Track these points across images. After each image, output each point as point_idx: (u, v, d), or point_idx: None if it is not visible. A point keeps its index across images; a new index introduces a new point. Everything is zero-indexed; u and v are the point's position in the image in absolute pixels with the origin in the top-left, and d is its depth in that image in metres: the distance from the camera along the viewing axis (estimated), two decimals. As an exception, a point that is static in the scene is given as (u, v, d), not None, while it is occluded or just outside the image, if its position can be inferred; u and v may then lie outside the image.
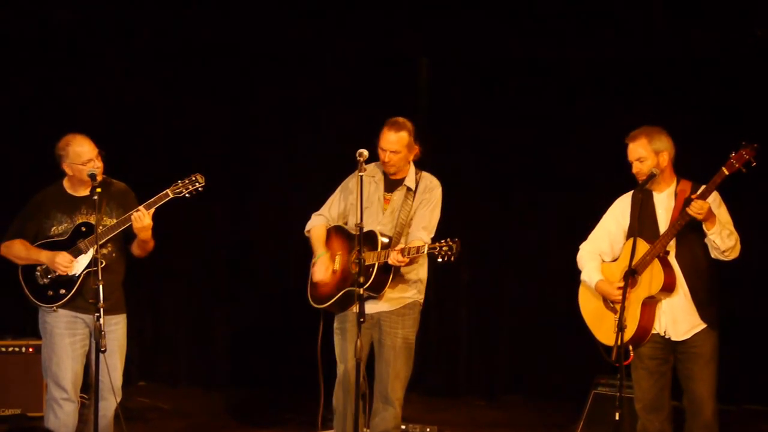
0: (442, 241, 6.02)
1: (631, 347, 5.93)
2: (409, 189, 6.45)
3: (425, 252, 6.10)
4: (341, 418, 6.42)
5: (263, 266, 9.24)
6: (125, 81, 8.99)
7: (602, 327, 6.03)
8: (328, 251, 6.47)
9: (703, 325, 5.91)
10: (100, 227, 6.03)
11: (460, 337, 9.19)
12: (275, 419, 8.25)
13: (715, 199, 5.85)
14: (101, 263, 5.85)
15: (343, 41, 9.01)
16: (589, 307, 6.17)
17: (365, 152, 6.18)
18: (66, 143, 6.14)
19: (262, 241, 9.24)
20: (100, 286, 5.76)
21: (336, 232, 6.52)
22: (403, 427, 7.21)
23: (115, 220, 6.13)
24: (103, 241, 6.04)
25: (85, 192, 6.17)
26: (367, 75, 9.06)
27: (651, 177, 5.90)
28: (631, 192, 6.01)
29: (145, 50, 9.03)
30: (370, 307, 6.24)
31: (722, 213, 5.90)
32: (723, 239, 5.80)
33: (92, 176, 6.00)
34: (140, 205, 6.12)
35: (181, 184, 6.16)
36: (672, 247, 5.90)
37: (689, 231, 5.86)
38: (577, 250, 6.28)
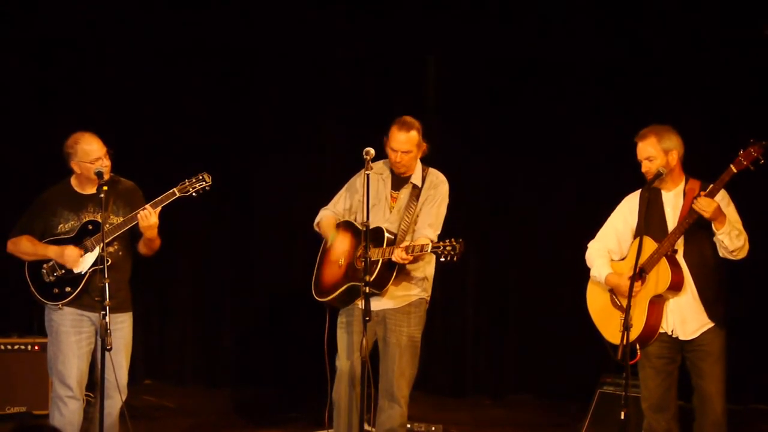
0: (446, 240, 6.01)
1: (638, 346, 5.92)
2: (415, 186, 6.45)
3: (429, 251, 6.09)
4: (343, 412, 6.40)
5: (269, 265, 9.24)
6: (131, 80, 8.99)
7: (609, 325, 6.02)
8: (339, 232, 6.46)
9: (711, 324, 5.91)
10: (107, 225, 6.03)
11: (466, 335, 9.18)
12: (281, 418, 8.24)
13: (723, 198, 5.84)
14: (107, 261, 5.85)
15: (350, 39, 9.00)
16: (597, 305, 6.16)
17: (372, 151, 6.19)
18: (74, 141, 6.13)
19: (268, 240, 9.23)
20: (107, 284, 5.76)
21: (344, 226, 6.52)
22: (409, 425, 7.20)
23: (121, 219, 6.13)
24: (110, 239, 6.04)
25: (92, 190, 6.17)
26: (374, 73, 9.06)
27: (658, 176, 5.89)
28: (639, 190, 6.00)
29: (151, 49, 9.03)
30: (376, 305, 6.24)
31: (731, 212, 5.89)
32: (732, 239, 5.80)
33: (99, 174, 6.00)
34: (147, 203, 6.12)
35: (188, 183, 6.16)
36: (680, 245, 5.89)
37: (697, 230, 5.85)
38: (584, 249, 6.27)
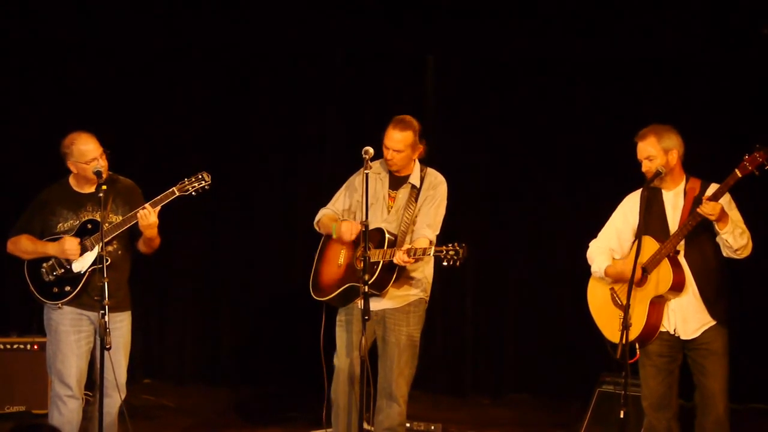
0: (449, 244, 5.99)
1: (637, 345, 5.92)
2: (413, 187, 6.44)
3: (432, 254, 6.08)
4: (342, 411, 6.41)
5: (268, 264, 9.23)
6: (131, 79, 8.99)
7: (610, 324, 6.02)
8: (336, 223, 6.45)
9: (713, 322, 5.91)
10: (106, 224, 6.02)
11: (466, 335, 9.18)
12: (280, 417, 8.23)
13: (725, 198, 5.84)
14: (107, 261, 5.85)
15: (349, 39, 8.99)
16: (598, 303, 6.16)
17: (371, 150, 6.19)
18: (71, 141, 6.13)
19: (268, 239, 9.23)
20: (106, 284, 5.76)
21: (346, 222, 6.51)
22: (408, 424, 7.20)
23: (120, 217, 6.13)
24: (109, 238, 6.04)
25: (90, 189, 6.17)
26: (373, 73, 9.05)
27: (657, 175, 5.89)
28: (641, 189, 5.99)
29: (151, 48, 9.02)
30: (375, 305, 6.23)
31: (734, 212, 5.90)
32: (735, 238, 5.80)
33: (98, 173, 6.00)
34: (146, 201, 6.12)
35: (187, 182, 6.16)
36: (681, 246, 5.89)
37: (699, 230, 5.85)
38: (584, 248, 6.27)
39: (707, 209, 5.73)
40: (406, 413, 6.45)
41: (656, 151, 5.90)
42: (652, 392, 6.00)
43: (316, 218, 6.62)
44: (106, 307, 5.73)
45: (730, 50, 8.34)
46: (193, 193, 6.17)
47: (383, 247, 6.20)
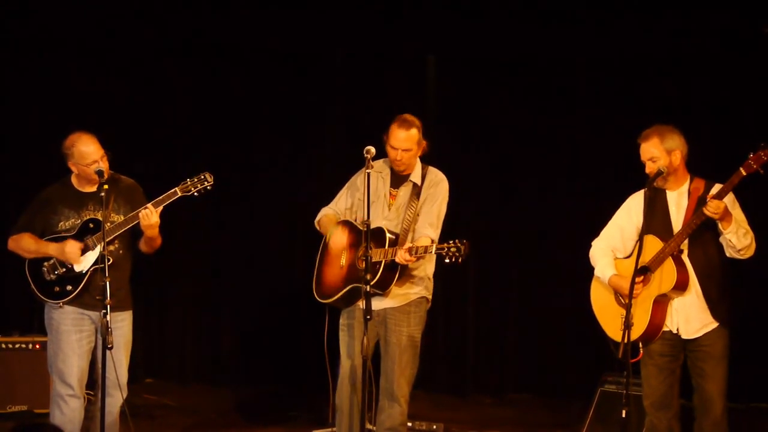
0: (450, 242, 5.99)
1: (641, 344, 5.92)
2: (415, 185, 6.44)
3: (433, 252, 6.08)
4: (345, 415, 6.41)
5: (270, 264, 9.23)
6: (132, 78, 8.99)
7: (613, 323, 6.01)
8: (339, 226, 6.46)
9: (715, 324, 5.90)
10: (108, 224, 6.02)
11: (468, 334, 9.18)
12: (282, 416, 8.23)
13: (729, 198, 5.82)
14: (108, 260, 5.85)
15: (350, 39, 8.99)
16: (601, 302, 6.16)
17: (372, 149, 6.18)
18: (72, 143, 6.12)
19: (269, 238, 9.23)
20: (107, 283, 5.75)
21: (344, 226, 6.51)
22: (410, 424, 7.21)
23: (122, 217, 6.13)
24: (110, 238, 6.04)
25: (92, 188, 6.17)
26: (374, 73, 9.05)
27: (659, 174, 5.89)
28: (644, 189, 5.98)
29: (152, 48, 9.02)
30: (377, 304, 6.23)
31: (737, 212, 5.89)
32: (739, 238, 5.80)
33: (99, 173, 6.00)
34: (148, 200, 6.12)
35: (189, 183, 6.16)
36: (685, 245, 5.89)
37: (703, 230, 5.85)
38: (585, 247, 6.26)
39: (711, 208, 5.72)
40: (407, 413, 6.44)
41: (659, 152, 5.90)
42: (654, 391, 6.00)
43: (317, 217, 6.62)
44: (108, 306, 5.72)
45: (733, 50, 8.33)
46: (196, 193, 6.17)
47: (384, 247, 6.20)
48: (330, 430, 6.79)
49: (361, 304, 6.04)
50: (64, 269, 6.10)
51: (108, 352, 5.78)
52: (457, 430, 7.97)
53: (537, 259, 8.98)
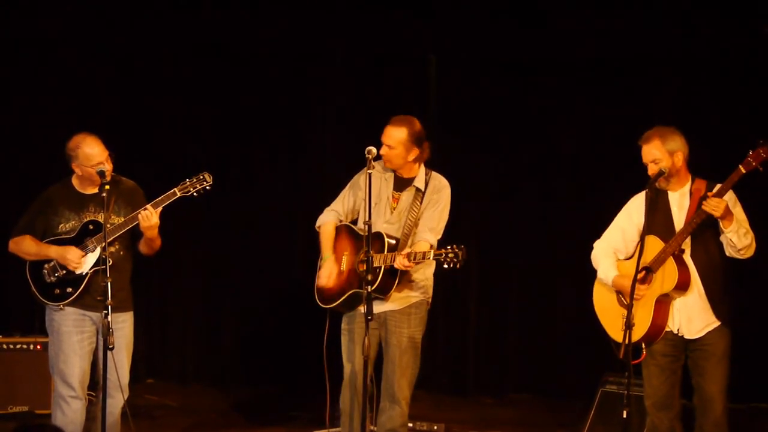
0: (448, 247, 5.99)
1: (643, 345, 5.92)
2: (418, 190, 6.42)
3: (431, 258, 6.07)
4: (348, 417, 6.41)
5: (271, 264, 9.22)
6: (131, 79, 9.00)
7: (615, 324, 6.01)
8: (333, 255, 6.46)
9: (717, 323, 5.91)
10: (108, 225, 6.02)
11: (468, 335, 9.18)
12: (283, 417, 8.24)
13: (730, 198, 5.83)
14: (109, 262, 5.85)
15: (351, 39, 8.99)
16: (603, 303, 6.16)
17: (374, 150, 6.17)
18: (76, 144, 6.11)
19: (270, 239, 9.22)
20: (108, 284, 5.75)
21: (344, 231, 6.50)
22: (411, 425, 7.20)
23: (122, 219, 6.13)
24: (111, 239, 6.04)
25: (93, 190, 6.16)
26: (375, 73, 9.05)
27: (660, 174, 5.89)
28: (646, 190, 5.98)
29: (151, 48, 9.02)
30: (377, 307, 6.22)
31: (738, 211, 5.89)
32: (740, 237, 5.80)
33: (101, 174, 5.99)
34: (148, 203, 6.12)
35: (188, 183, 6.16)
36: (687, 245, 5.89)
37: (704, 229, 5.85)
38: (586, 248, 6.26)
39: (711, 205, 5.73)
40: (408, 414, 6.44)
41: (661, 153, 5.90)
42: (656, 391, 6.00)
43: (318, 222, 6.60)
44: (109, 307, 5.73)
45: (733, 49, 8.33)
46: (195, 194, 6.17)
47: (384, 251, 6.19)
48: (328, 431, 6.80)
49: (362, 308, 6.04)
50: (65, 271, 6.10)
51: (109, 353, 5.79)
52: (458, 430, 7.97)
53: (538, 260, 8.97)
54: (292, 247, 9.08)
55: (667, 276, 5.86)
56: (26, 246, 6.17)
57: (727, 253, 5.89)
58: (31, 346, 7.89)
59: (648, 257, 5.85)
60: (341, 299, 6.37)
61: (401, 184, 6.46)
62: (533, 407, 8.82)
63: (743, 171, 5.71)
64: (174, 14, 8.94)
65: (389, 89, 8.92)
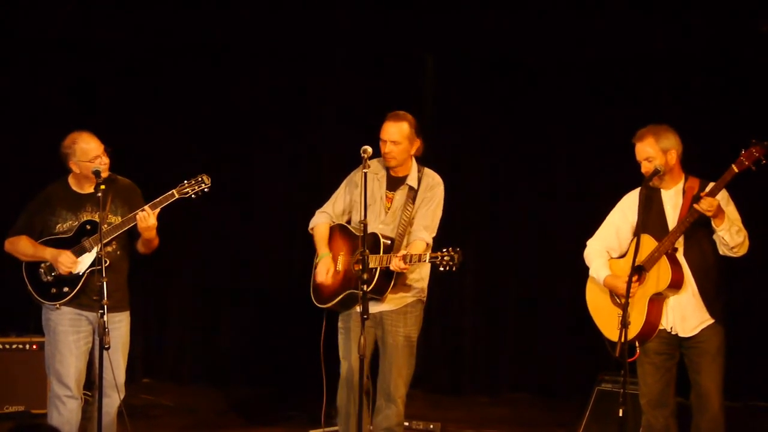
0: (444, 250, 5.98)
1: (637, 343, 5.94)
2: (411, 188, 6.41)
3: (427, 260, 6.07)
4: (345, 416, 6.42)
5: (268, 264, 9.23)
6: (129, 79, 8.99)
7: (609, 322, 6.02)
8: (330, 252, 6.47)
9: (711, 321, 5.92)
10: (105, 225, 6.03)
11: (464, 334, 9.19)
12: (279, 416, 8.25)
13: (723, 196, 5.85)
14: (105, 262, 5.85)
15: (348, 38, 8.99)
16: (596, 302, 6.17)
17: (369, 149, 6.17)
18: (72, 141, 6.13)
19: (267, 239, 9.23)
20: (104, 284, 5.76)
21: (339, 231, 6.50)
22: (407, 424, 7.21)
23: (120, 218, 6.13)
24: (108, 239, 6.04)
25: (90, 189, 6.15)
26: (372, 72, 9.05)
27: (656, 173, 5.90)
28: (639, 188, 6.00)
29: (148, 47, 9.01)
30: (373, 307, 6.21)
31: (731, 210, 5.91)
32: (732, 235, 5.81)
33: (96, 173, 6.00)
34: (146, 201, 6.13)
35: (187, 185, 6.15)
36: (680, 244, 5.90)
37: (697, 228, 5.86)
38: (581, 246, 6.27)
39: (704, 205, 5.74)
40: (404, 413, 6.45)
41: (655, 151, 5.91)
42: (650, 390, 6.02)
43: (311, 224, 6.59)
44: (105, 307, 5.73)
45: (729, 48, 8.34)
46: (193, 195, 6.17)
47: (379, 252, 6.18)
48: (323, 430, 6.80)
49: (359, 308, 6.05)
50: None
51: (105, 352, 5.78)
52: (454, 429, 7.98)
53: (534, 259, 8.99)
54: (290, 247, 9.08)
55: (660, 275, 5.87)
56: (22, 246, 6.17)
57: (721, 252, 5.91)
58: (27, 346, 7.89)
59: (641, 256, 5.86)
60: (337, 299, 6.38)
61: (394, 183, 6.45)
62: (529, 406, 8.83)
63: (736, 170, 5.73)
64: (172, 13, 8.92)
65: (387, 88, 8.91)
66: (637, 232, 5.87)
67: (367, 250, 6.01)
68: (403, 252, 6.16)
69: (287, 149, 9.23)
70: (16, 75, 8.82)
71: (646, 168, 5.94)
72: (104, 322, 5.71)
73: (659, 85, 8.57)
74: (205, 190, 6.17)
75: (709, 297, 5.92)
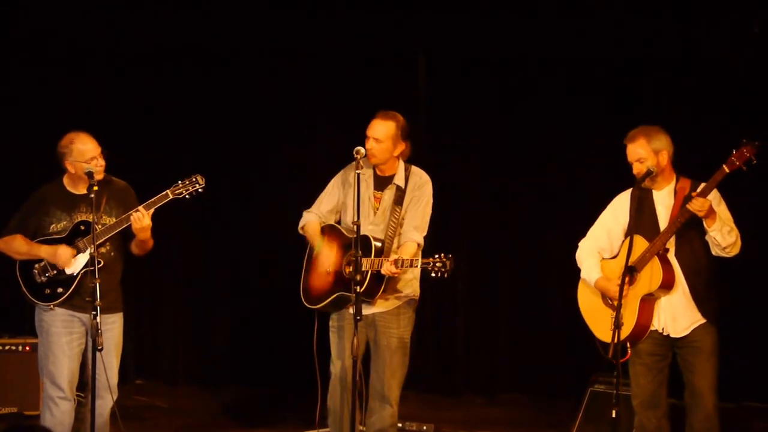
0: (436, 256, 5.96)
1: (628, 344, 5.94)
2: (399, 188, 6.39)
3: (419, 267, 6.05)
4: (337, 416, 6.40)
5: (261, 265, 9.22)
6: (125, 79, 8.98)
7: (600, 324, 6.03)
8: (325, 239, 6.43)
9: (703, 320, 5.93)
10: (99, 226, 6.02)
11: (458, 335, 9.18)
12: (273, 418, 8.24)
13: (714, 197, 5.86)
14: (99, 262, 5.85)
15: (342, 38, 8.98)
16: (588, 303, 6.17)
17: (363, 150, 6.17)
18: (69, 141, 6.13)
19: (260, 240, 9.21)
20: (97, 285, 5.75)
21: (329, 231, 6.47)
22: (401, 424, 7.21)
23: (114, 219, 6.13)
24: (102, 240, 6.04)
25: (84, 190, 6.15)
26: (366, 72, 9.05)
27: (648, 174, 5.91)
28: (630, 189, 6.01)
29: (144, 47, 9.00)
30: (365, 309, 6.19)
31: (722, 210, 5.92)
32: (724, 236, 5.82)
33: (89, 174, 5.99)
34: (140, 203, 6.12)
35: (181, 185, 6.15)
36: (671, 244, 5.91)
37: (689, 228, 5.87)
38: (575, 247, 6.27)
39: (696, 205, 5.75)
40: (397, 414, 6.44)
41: (646, 152, 5.92)
42: (643, 391, 6.02)
43: (301, 223, 6.58)
44: (98, 308, 5.72)
45: (721, 49, 8.35)
46: (187, 196, 6.17)
47: (370, 255, 6.16)
48: (317, 431, 6.80)
49: (351, 309, 6.04)
50: (55, 271, 6.10)
51: (98, 353, 5.78)
52: (448, 430, 7.97)
53: (528, 260, 8.98)
54: (283, 248, 9.04)
55: (651, 276, 5.87)
56: (17, 245, 6.16)
57: (714, 252, 5.92)
58: (20, 348, 7.88)
59: (633, 256, 5.86)
60: (327, 300, 6.36)
61: (381, 182, 6.42)
62: (523, 407, 8.82)
63: (727, 170, 5.74)
64: (166, 12, 8.91)
65: (380, 89, 8.90)
66: (629, 233, 5.88)
67: (360, 252, 6.00)
68: (394, 257, 6.14)
69: (281, 150, 9.21)
70: (12, 76, 8.80)
71: (637, 169, 5.95)
72: (97, 323, 5.71)
73: (651, 87, 8.57)
74: (200, 190, 6.17)
75: (701, 297, 5.92)
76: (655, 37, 8.50)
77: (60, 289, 6.10)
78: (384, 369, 6.35)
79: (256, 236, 9.21)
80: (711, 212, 5.78)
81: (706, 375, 5.92)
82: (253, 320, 9.22)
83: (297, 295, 6.56)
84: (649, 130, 5.96)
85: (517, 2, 8.74)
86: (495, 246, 9.07)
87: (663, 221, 5.95)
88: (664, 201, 5.99)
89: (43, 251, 6.10)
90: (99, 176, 6.04)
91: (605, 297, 6.07)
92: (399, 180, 6.40)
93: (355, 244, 6.01)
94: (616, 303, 5.80)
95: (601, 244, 6.17)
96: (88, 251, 6.04)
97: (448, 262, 5.93)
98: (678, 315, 5.93)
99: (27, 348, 7.82)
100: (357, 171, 6.12)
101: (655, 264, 5.87)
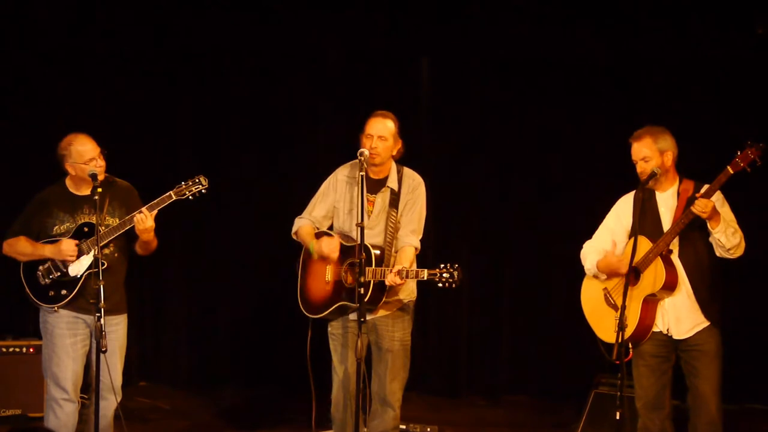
0: (442, 266, 5.94)
1: (630, 345, 5.94)
2: (392, 191, 6.36)
3: (425, 278, 5.98)
4: (341, 421, 6.39)
5: (264, 267, 9.21)
6: (125, 81, 8.98)
7: (603, 324, 6.03)
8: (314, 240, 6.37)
9: (706, 323, 5.93)
10: (102, 227, 6.03)
11: (461, 336, 9.18)
12: (276, 419, 8.24)
13: (718, 198, 5.86)
14: (103, 264, 5.85)
15: (343, 41, 8.99)
16: (591, 304, 6.18)
17: (366, 152, 6.16)
18: (68, 143, 6.14)
19: (264, 241, 9.20)
20: (101, 287, 5.76)
21: (324, 238, 6.38)
22: (404, 426, 7.21)
23: (117, 220, 6.14)
24: (106, 242, 6.04)
25: (87, 191, 6.17)
26: (368, 74, 9.05)
27: (652, 176, 5.92)
28: (634, 191, 6.01)
29: (146, 50, 9.00)
30: (366, 314, 6.15)
31: (726, 211, 5.92)
32: (728, 237, 5.82)
33: (93, 176, 6.00)
34: (143, 203, 6.13)
35: (184, 186, 6.16)
36: (675, 245, 5.92)
37: (692, 230, 5.87)
38: (579, 248, 6.28)
39: (699, 206, 5.75)
40: (400, 417, 6.44)
41: (652, 152, 5.93)
42: (646, 392, 6.03)
43: (294, 229, 6.55)
44: (102, 310, 5.73)
45: (725, 50, 8.35)
46: (190, 197, 6.17)
47: (371, 264, 6.10)
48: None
49: (351, 315, 6.02)
50: (59, 273, 6.11)
51: (102, 355, 5.79)
52: (451, 431, 7.97)
53: (530, 261, 8.98)
54: (286, 250, 9.03)
55: (655, 277, 5.88)
56: (21, 247, 6.17)
57: (717, 254, 5.92)
58: (25, 349, 7.88)
59: (636, 257, 5.86)
60: (328, 311, 6.31)
61: (374, 185, 6.38)
62: (526, 409, 8.82)
63: (731, 172, 5.75)
64: (167, 15, 8.92)
65: (382, 91, 8.90)
66: (633, 234, 5.88)
67: (363, 254, 5.98)
68: (398, 267, 6.07)
69: (282, 151, 9.22)
70: (11, 77, 8.80)
71: (642, 168, 5.95)
72: (101, 325, 5.71)
73: (655, 88, 8.57)
74: (203, 191, 6.18)
75: (704, 299, 5.92)
76: (660, 38, 8.50)
77: (64, 291, 6.11)
78: (386, 372, 6.34)
79: (259, 238, 9.20)
80: (715, 214, 5.78)
81: (710, 378, 5.93)
82: (255, 321, 9.22)
83: (297, 298, 6.54)
84: (656, 130, 5.98)
85: (518, 6, 8.73)
86: (496, 247, 9.07)
87: (666, 223, 5.96)
88: (667, 202, 6.00)
89: (48, 250, 6.11)
90: (99, 177, 6.05)
91: (608, 298, 6.08)
92: (392, 183, 6.37)
93: (359, 246, 5.98)
94: (619, 302, 5.76)
95: (605, 246, 6.18)
96: (91, 253, 6.04)
97: (455, 273, 5.91)
98: (681, 316, 5.93)
99: (31, 350, 7.83)
100: (361, 173, 6.10)
101: (658, 265, 5.87)
